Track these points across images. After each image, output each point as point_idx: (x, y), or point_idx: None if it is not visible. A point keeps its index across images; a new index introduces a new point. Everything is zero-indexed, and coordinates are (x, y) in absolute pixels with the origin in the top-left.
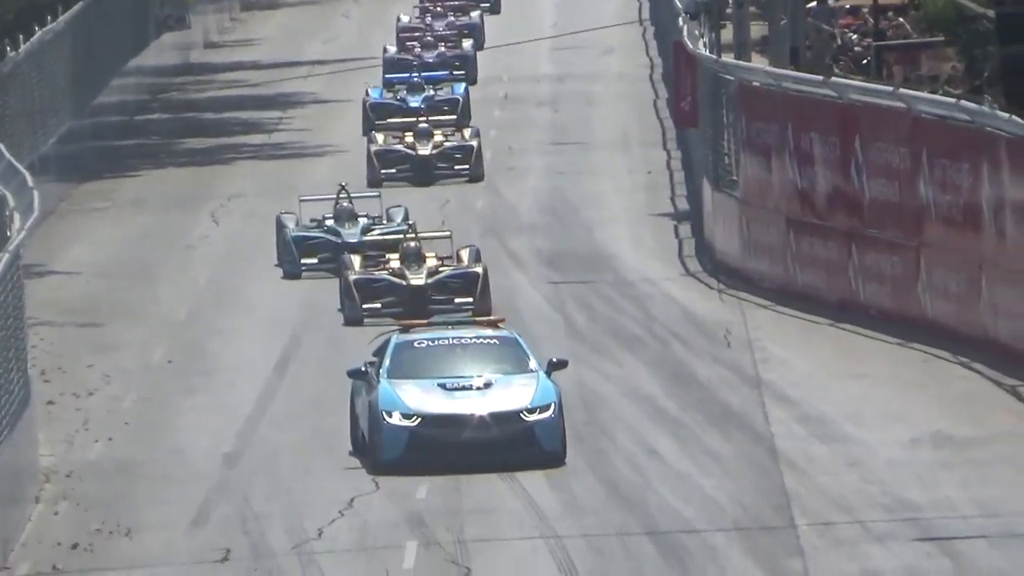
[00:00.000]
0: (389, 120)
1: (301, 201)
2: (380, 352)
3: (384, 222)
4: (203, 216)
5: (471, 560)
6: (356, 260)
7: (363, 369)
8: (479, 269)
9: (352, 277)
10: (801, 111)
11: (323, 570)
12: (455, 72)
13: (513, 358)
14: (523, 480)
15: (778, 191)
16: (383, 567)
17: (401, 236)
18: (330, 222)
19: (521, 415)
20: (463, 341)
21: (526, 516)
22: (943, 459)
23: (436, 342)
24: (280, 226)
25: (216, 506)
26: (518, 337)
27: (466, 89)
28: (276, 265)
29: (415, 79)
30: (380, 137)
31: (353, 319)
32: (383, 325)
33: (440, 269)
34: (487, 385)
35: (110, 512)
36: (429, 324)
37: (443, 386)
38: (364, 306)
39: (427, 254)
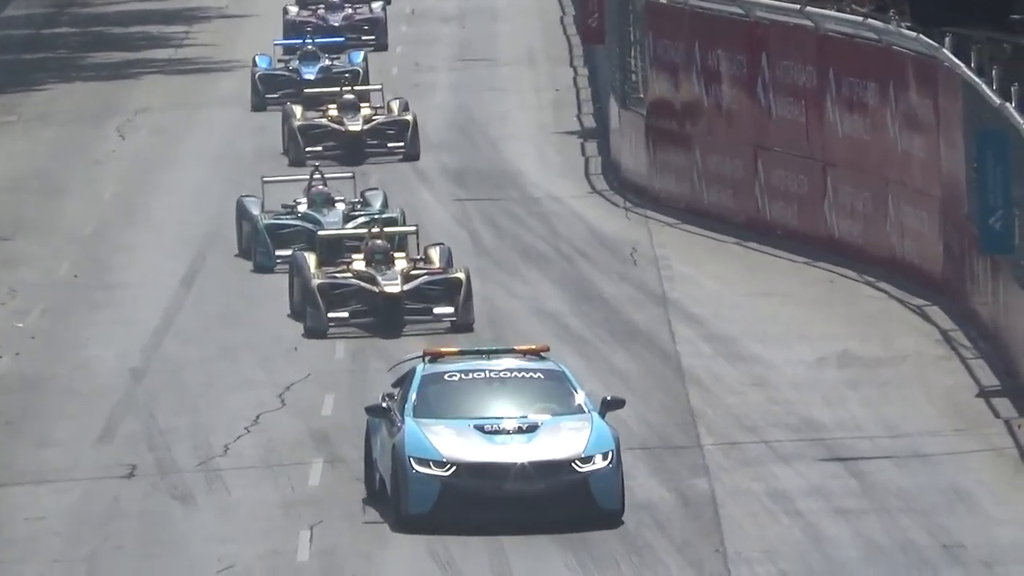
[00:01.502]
0: (308, 91)
1: (264, 182)
2: (402, 384)
3: (359, 206)
4: (110, 131)
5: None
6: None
7: (384, 405)
8: (461, 275)
9: (315, 282)
10: (708, 28)
11: (228, 487)
12: (364, 37)
13: (560, 395)
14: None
15: (685, 109)
16: (289, 484)
17: (395, 224)
18: (303, 207)
19: (573, 465)
20: (502, 374)
21: None
22: (849, 379)
23: (470, 375)
24: (243, 212)
25: (122, 421)
26: (565, 369)
27: (366, 58)
28: (236, 255)
29: (308, 45)
30: (298, 110)
31: (317, 329)
32: (351, 336)
33: (413, 273)
34: (532, 428)
35: (16, 427)
36: (460, 353)
37: (480, 428)
38: (330, 315)
39: (397, 255)
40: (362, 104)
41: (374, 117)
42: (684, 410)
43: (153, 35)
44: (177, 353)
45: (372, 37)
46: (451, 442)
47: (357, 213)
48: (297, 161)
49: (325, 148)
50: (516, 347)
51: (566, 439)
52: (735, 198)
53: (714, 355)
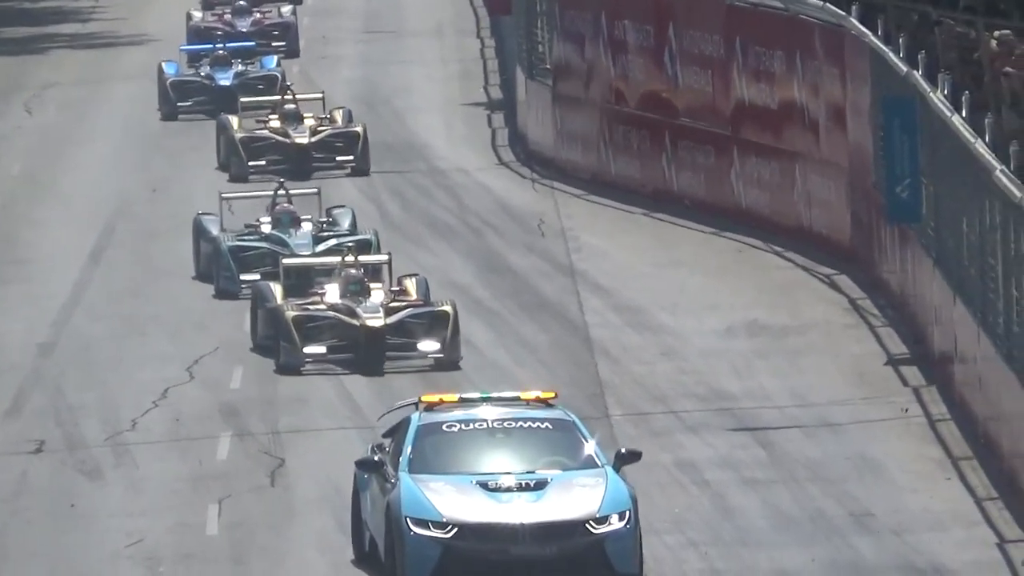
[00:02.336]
0: (246, 99)
1: (223, 199)
2: (395, 435)
3: (322, 224)
4: (16, 106)
5: (285, 451)
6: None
7: (375, 459)
8: (448, 308)
9: (290, 313)
10: None
11: (137, 461)
12: (275, 43)
13: (571, 447)
14: (334, 367)
15: (591, 81)
16: (197, 458)
17: (370, 247)
18: (267, 227)
19: (587, 526)
20: (506, 424)
21: (339, 406)
22: (757, 348)
23: (471, 425)
24: (202, 231)
25: (30, 396)
26: (575, 419)
27: (279, 63)
28: (193, 277)
29: (219, 50)
30: (234, 121)
31: (291, 365)
32: (328, 373)
33: (394, 305)
34: (541, 484)
35: None
36: (460, 400)
37: (484, 485)
38: (306, 350)
39: (373, 286)
40: (305, 115)
41: (320, 128)
42: (592, 381)
43: (60, 9)
44: (85, 328)
45: (283, 43)
46: (452, 501)
47: (327, 234)
48: (240, 176)
49: (269, 162)
50: (521, 394)
51: (578, 497)
52: (642, 169)
53: (622, 325)
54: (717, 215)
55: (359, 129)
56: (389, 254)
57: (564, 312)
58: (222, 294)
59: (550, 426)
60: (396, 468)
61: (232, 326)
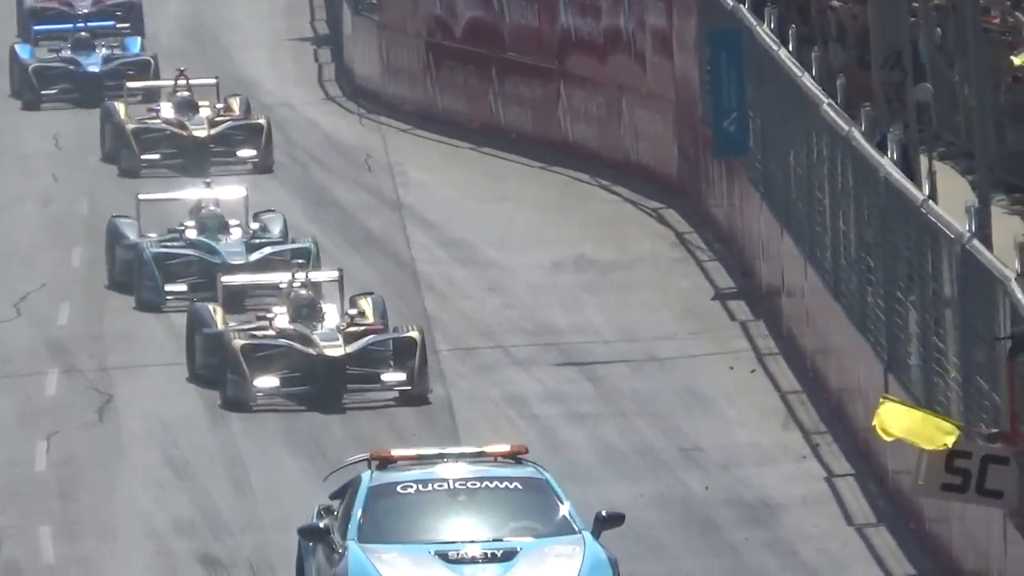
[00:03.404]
0: (134, 84)
1: (140, 201)
2: (344, 496)
3: (252, 230)
4: None
5: (113, 387)
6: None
7: (320, 525)
8: (415, 334)
9: (236, 342)
10: None
11: None
12: (119, 24)
13: (544, 510)
14: (164, 309)
15: (417, 15)
16: (25, 394)
17: (308, 256)
18: (192, 232)
19: None
20: (470, 484)
21: (166, 343)
22: (585, 283)
23: (430, 486)
24: (118, 236)
25: None
26: (549, 477)
27: (143, 46)
28: (107, 287)
29: (81, 32)
30: (121, 108)
31: (240, 400)
32: (281, 409)
33: (351, 330)
34: (510, 554)
35: None
36: (417, 457)
37: (444, 556)
38: (257, 383)
39: (325, 307)
40: (200, 103)
41: (218, 119)
42: (419, 315)
43: None
44: None
45: (127, 24)
46: (407, 573)
47: (260, 241)
48: (131, 171)
49: (163, 156)
50: (487, 449)
51: (553, 568)
52: (469, 103)
53: (449, 260)
54: (544, 149)
55: (262, 121)
56: (340, 270)
57: (391, 247)
58: (144, 305)
59: (520, 486)
60: (344, 536)
61: (58, 262)
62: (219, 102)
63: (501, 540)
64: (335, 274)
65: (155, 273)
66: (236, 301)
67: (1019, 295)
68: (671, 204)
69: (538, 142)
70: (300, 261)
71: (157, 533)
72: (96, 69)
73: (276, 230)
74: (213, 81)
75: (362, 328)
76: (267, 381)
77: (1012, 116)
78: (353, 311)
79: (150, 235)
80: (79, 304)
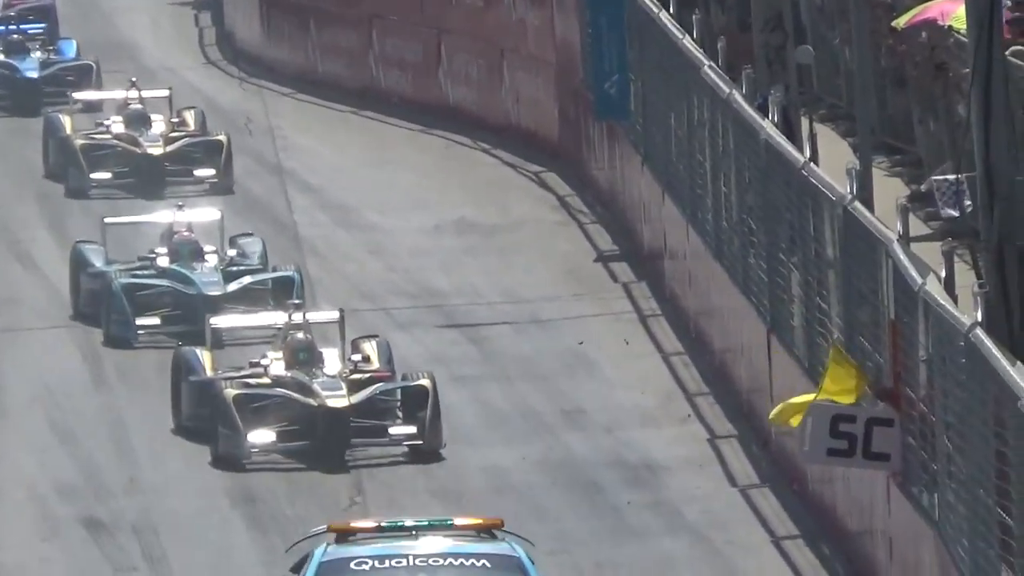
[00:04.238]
0: (80, 94)
1: (107, 225)
2: (300, 571)
3: (229, 256)
4: None
5: None
6: (207, 358)
7: None
8: (426, 382)
9: (229, 392)
10: None
11: None
12: (31, 28)
13: None
14: (45, 269)
15: None
16: None
17: (292, 285)
18: (165, 260)
19: None
20: (432, 561)
21: (49, 307)
22: (467, 246)
23: (387, 562)
24: (83, 263)
25: None
26: (523, 555)
27: (79, 50)
28: (71, 317)
29: (13, 35)
30: (67, 121)
31: (233, 457)
32: (278, 468)
33: (354, 378)
34: None
35: None
36: (378, 529)
37: None
38: (252, 438)
39: (325, 352)
40: (153, 117)
41: (174, 135)
42: (303, 279)
43: None
44: None
45: (41, 27)
46: None
47: (238, 269)
48: (79, 190)
49: (115, 174)
50: (457, 521)
51: None
52: (349, 67)
53: (331, 224)
54: (425, 113)
55: (222, 138)
56: (341, 310)
57: (272, 211)
58: (113, 341)
59: (488, 564)
60: None
61: None
62: (173, 116)
63: None
64: (335, 315)
65: (125, 306)
66: (215, 336)
67: (900, 256)
68: (552, 167)
69: (419, 105)
70: (297, 301)
71: (40, 496)
72: (34, 75)
73: (255, 256)
74: (166, 93)
75: (367, 375)
76: (263, 436)
77: (892, 79)
78: (356, 356)
79: (118, 264)
80: None
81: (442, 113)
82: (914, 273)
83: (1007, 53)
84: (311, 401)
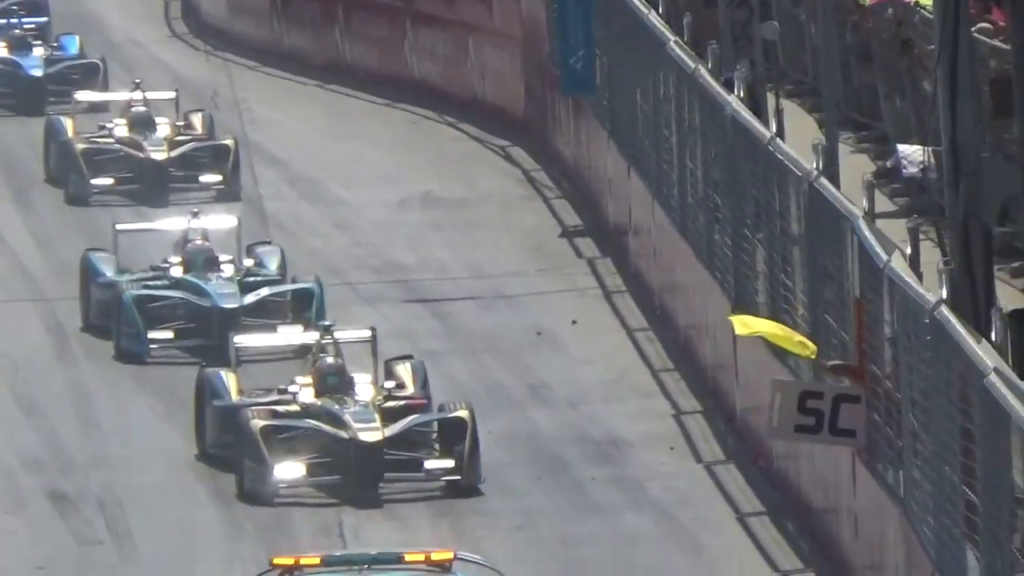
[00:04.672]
0: (83, 96)
1: (118, 232)
2: None
3: (246, 267)
4: None
5: None
6: (232, 382)
7: None
8: (464, 413)
9: (255, 423)
10: None
11: None
12: (25, 20)
13: None
14: (10, 241)
15: None
16: None
17: (312, 299)
18: (178, 269)
19: None
20: None
21: (12, 278)
22: (432, 220)
23: None
24: (94, 273)
25: None
26: None
27: (82, 45)
28: (81, 328)
29: (16, 29)
30: (69, 124)
31: (262, 493)
32: (306, 504)
33: (388, 406)
34: None
35: None
36: (323, 564)
37: None
38: (279, 473)
39: (357, 377)
40: (158, 120)
41: (180, 139)
42: None
43: None
44: None
45: (33, 22)
46: None
47: (255, 280)
48: (80, 197)
49: (117, 180)
50: (406, 555)
51: None
52: (315, 41)
53: (297, 198)
54: (391, 87)
55: (229, 142)
56: (373, 329)
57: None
58: (125, 356)
59: None
60: None
61: None
62: (179, 118)
63: None
64: (367, 334)
65: (136, 319)
66: (223, 327)
67: (866, 233)
68: (518, 142)
69: (385, 80)
70: (328, 323)
71: (5, 470)
72: (39, 72)
73: (273, 266)
74: (172, 95)
75: (401, 403)
76: (291, 470)
77: (858, 54)
78: (390, 383)
79: (130, 274)
80: None
81: (408, 87)
82: (879, 250)
83: (973, 30)
84: (342, 433)
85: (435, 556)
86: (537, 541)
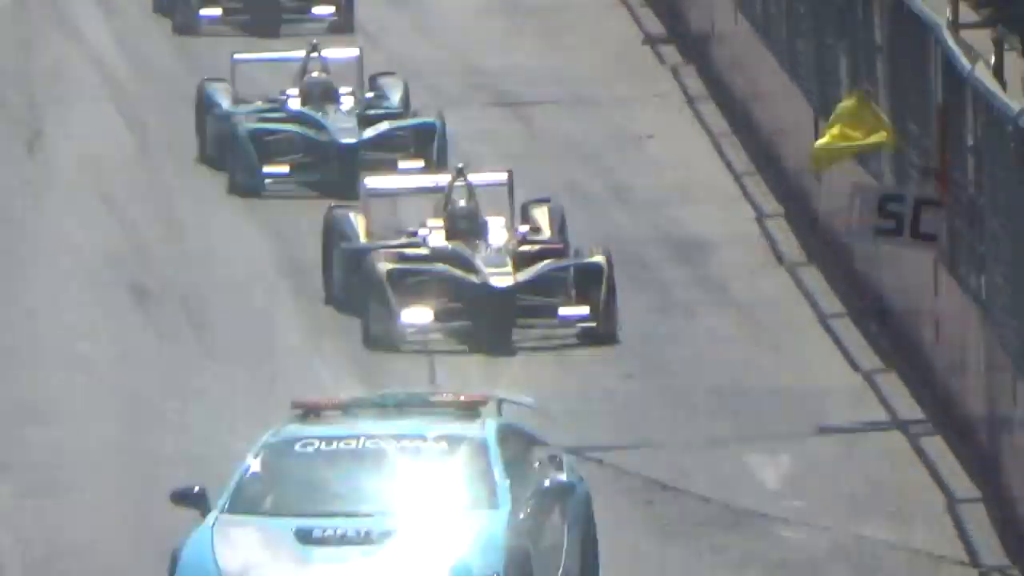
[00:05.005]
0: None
1: (235, 62)
2: None
3: (367, 99)
4: None
5: (41, 122)
6: (360, 224)
7: (194, 490)
8: (601, 259)
9: (382, 266)
10: None
11: None
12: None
13: (466, 479)
14: (92, 41)
15: None
16: None
17: (433, 133)
18: (296, 102)
19: None
20: (381, 442)
21: (94, 77)
22: (515, 26)
23: (335, 443)
24: (210, 103)
25: None
26: (491, 439)
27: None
28: (197, 159)
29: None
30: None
31: (386, 336)
32: (431, 351)
33: (523, 250)
34: (384, 535)
35: None
36: (343, 405)
37: (306, 535)
38: (406, 319)
39: (492, 219)
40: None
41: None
42: None
43: None
44: None
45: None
46: (244, 557)
47: (375, 113)
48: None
49: (225, 11)
50: (436, 397)
51: (428, 556)
52: None
53: (379, 2)
54: None
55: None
56: (510, 171)
57: None
58: (239, 189)
59: (446, 446)
60: (217, 507)
61: None
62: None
63: (383, 515)
64: (503, 176)
65: (251, 153)
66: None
67: (950, 42)
68: None
69: None
70: (460, 165)
71: (86, 264)
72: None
73: (395, 98)
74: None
75: (536, 248)
76: (419, 315)
77: None
78: (524, 227)
79: (245, 105)
80: (6, 36)
81: None
82: (963, 59)
83: None
84: (473, 278)
85: (466, 399)
86: (619, 339)
